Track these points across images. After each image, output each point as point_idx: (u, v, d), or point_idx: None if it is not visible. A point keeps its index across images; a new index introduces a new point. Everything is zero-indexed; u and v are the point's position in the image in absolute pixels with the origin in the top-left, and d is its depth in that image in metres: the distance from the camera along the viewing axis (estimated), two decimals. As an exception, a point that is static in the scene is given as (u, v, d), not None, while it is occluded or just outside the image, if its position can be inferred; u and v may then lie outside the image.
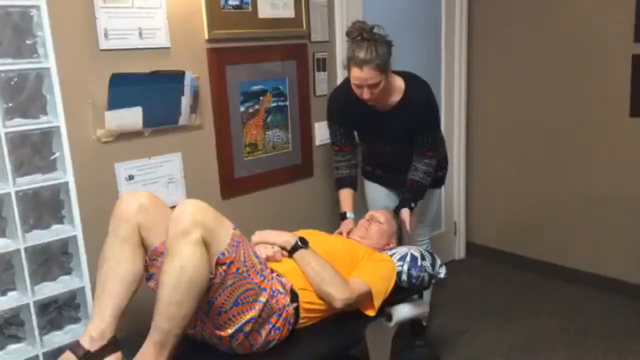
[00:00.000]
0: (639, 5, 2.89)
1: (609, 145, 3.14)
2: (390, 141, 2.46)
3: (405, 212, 2.38)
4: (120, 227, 1.73)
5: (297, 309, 1.83)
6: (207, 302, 1.64)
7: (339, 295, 1.85)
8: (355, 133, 2.56)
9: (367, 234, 2.27)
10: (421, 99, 2.34)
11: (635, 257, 3.14)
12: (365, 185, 2.76)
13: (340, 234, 2.35)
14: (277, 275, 1.86)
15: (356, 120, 2.45)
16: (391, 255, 2.18)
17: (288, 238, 1.99)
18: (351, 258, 2.05)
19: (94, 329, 1.63)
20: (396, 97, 2.33)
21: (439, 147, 2.49)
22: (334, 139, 2.52)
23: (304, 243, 1.95)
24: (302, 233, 2.16)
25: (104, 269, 1.71)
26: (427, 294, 2.71)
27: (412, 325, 2.64)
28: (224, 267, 1.61)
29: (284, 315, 1.77)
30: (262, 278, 1.72)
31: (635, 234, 3.11)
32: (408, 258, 2.14)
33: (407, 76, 2.36)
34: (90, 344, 1.61)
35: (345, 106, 2.43)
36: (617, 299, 3.14)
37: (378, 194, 2.70)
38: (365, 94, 2.20)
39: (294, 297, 1.83)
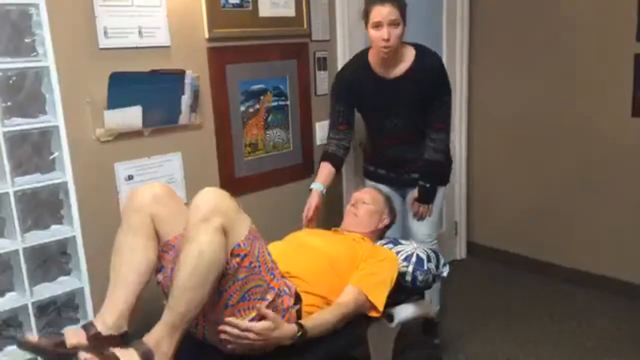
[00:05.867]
0: (641, 4, 2.89)
1: (611, 145, 3.12)
2: (400, 112, 2.43)
3: (413, 195, 2.48)
4: (133, 217, 1.72)
5: (299, 312, 1.81)
6: (218, 292, 1.63)
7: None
8: (362, 117, 2.58)
9: (357, 219, 2.26)
10: (431, 63, 2.39)
11: (637, 258, 3.13)
12: (366, 186, 2.74)
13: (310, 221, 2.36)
14: (284, 276, 1.84)
15: (365, 94, 2.45)
16: (397, 253, 2.16)
17: (288, 334, 1.72)
18: (352, 260, 2.03)
19: (108, 316, 1.62)
20: (407, 64, 2.38)
21: (449, 122, 2.48)
22: (332, 116, 2.54)
23: (301, 328, 1.76)
24: (302, 233, 2.15)
25: (117, 259, 1.70)
26: (434, 294, 2.71)
27: (425, 325, 2.62)
28: (238, 259, 1.60)
29: (286, 317, 1.75)
30: (271, 276, 1.71)
31: (638, 235, 3.10)
32: (414, 259, 2.12)
33: (416, 45, 2.42)
34: (102, 328, 1.60)
35: (353, 81, 2.45)
36: (620, 300, 3.13)
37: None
38: (385, 34, 2.22)
39: (297, 299, 1.82)
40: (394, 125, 2.48)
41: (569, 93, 3.24)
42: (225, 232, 1.56)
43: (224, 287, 1.62)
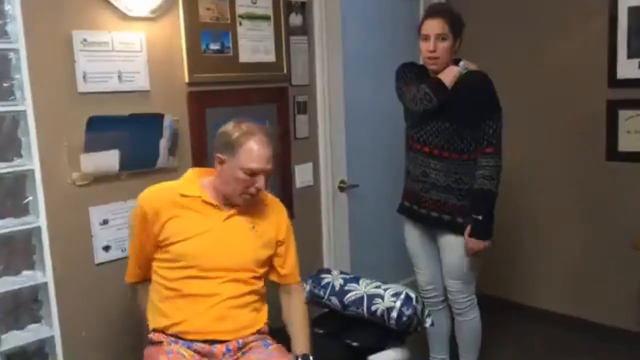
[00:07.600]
0: (611, 51, 2.98)
1: (587, 189, 3.18)
2: (444, 118, 2.34)
3: (466, 233, 2.37)
4: None
5: None
6: None
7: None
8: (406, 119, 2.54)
9: (256, 197, 1.92)
10: (476, 79, 2.36)
11: (617, 302, 3.14)
12: (404, 230, 2.64)
13: None
14: None
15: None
16: (385, 290, 2.12)
17: None
18: (256, 269, 1.94)
19: None
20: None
21: (499, 145, 2.37)
22: None
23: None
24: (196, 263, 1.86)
25: None
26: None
27: None
28: None
29: None
30: None
31: (617, 280, 3.13)
32: (403, 296, 2.10)
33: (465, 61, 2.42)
34: None
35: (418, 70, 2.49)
36: (596, 341, 3.11)
37: (412, 235, 2.60)
38: (431, 46, 2.29)
39: None
40: (435, 129, 2.37)
41: (545, 138, 3.30)
42: None
43: None
